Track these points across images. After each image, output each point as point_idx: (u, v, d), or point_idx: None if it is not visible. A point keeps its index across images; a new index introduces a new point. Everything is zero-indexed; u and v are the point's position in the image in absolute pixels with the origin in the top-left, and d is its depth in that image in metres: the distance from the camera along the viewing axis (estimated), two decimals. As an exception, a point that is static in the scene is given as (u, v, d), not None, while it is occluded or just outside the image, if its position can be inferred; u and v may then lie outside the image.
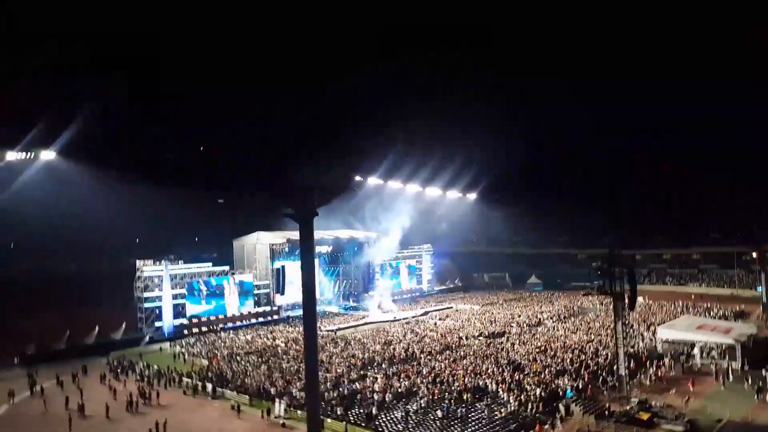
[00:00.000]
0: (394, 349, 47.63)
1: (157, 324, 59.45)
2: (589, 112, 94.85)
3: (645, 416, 30.09)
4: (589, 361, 40.66)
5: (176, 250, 66.40)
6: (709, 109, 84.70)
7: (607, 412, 31.42)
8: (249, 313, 66.89)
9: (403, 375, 38.82)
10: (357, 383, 37.38)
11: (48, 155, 67.45)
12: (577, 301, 72.72)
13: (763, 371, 36.53)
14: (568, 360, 41.11)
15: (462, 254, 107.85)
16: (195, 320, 61.59)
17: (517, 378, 36.97)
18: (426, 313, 69.68)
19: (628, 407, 31.97)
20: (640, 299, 56.57)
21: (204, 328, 60.91)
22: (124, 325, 56.91)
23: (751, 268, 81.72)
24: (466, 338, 51.65)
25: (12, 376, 44.04)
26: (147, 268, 59.91)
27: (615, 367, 36.25)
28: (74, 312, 61.77)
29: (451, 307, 75.10)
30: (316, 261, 65.30)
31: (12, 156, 65.75)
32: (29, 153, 66.60)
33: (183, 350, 52.43)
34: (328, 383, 37.11)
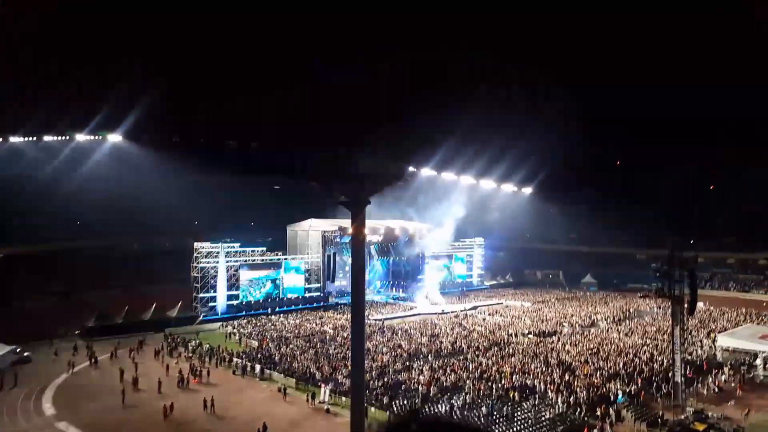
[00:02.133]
0: (441, 342, 47.46)
1: (211, 304, 61.39)
2: (656, 105, 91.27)
3: (701, 427, 28.83)
4: (643, 366, 39.29)
5: (233, 233, 68.22)
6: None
7: (660, 420, 30.29)
8: (298, 297, 68.19)
9: (449, 369, 38.62)
10: (402, 374, 37.49)
11: (115, 138, 71.18)
12: (633, 303, 70.30)
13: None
14: (621, 364, 39.84)
15: (515, 249, 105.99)
16: (247, 302, 63.38)
17: (566, 379, 36.13)
18: (475, 308, 68.99)
19: (683, 416, 30.71)
20: (700, 304, 54.13)
21: (253, 311, 62.61)
22: (180, 304, 59.05)
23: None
24: (516, 336, 50.82)
25: (73, 347, 46.63)
26: (205, 251, 61.83)
27: (671, 374, 34.81)
28: (134, 288, 64.93)
29: (501, 303, 74.09)
30: (366, 250, 65.78)
31: (81, 137, 69.73)
32: (97, 135, 70.36)
33: (235, 330, 54.06)
34: (374, 372, 37.38)
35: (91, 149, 72.70)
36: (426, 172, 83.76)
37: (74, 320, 53.78)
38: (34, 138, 69.25)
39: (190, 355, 44.76)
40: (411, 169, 79.92)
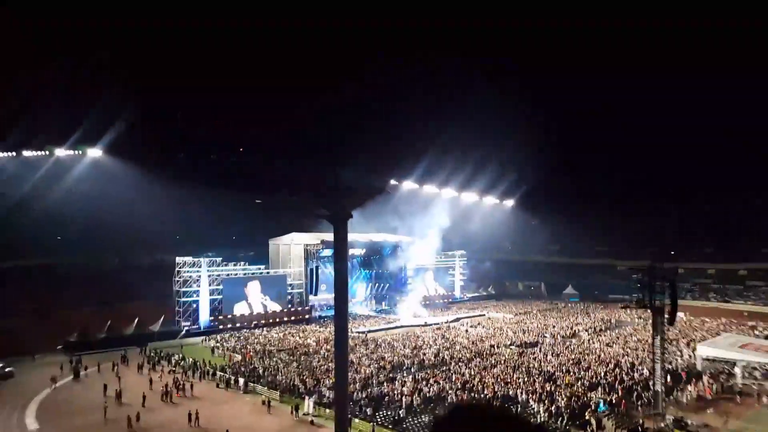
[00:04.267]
0: (424, 354, 47.54)
1: (194, 318, 60.88)
2: (634, 119, 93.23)
3: (680, 435, 29.25)
4: (624, 376, 39.73)
5: (214, 247, 67.92)
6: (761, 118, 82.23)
7: (640, 429, 30.63)
8: (281, 311, 67.86)
9: (432, 380, 38.71)
10: (386, 385, 37.50)
11: (95, 153, 70.63)
12: (614, 314, 71.09)
13: (810, 395, 35.03)
14: (603, 373, 40.26)
15: (497, 261, 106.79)
16: (229, 316, 62.96)
17: (548, 389, 36.41)
18: (457, 320, 69.22)
19: (662, 424, 31.11)
20: (681, 315, 54.91)
21: (238, 324, 62.20)
22: (162, 318, 58.47)
23: (801, 287, 78.32)
24: (498, 347, 51.11)
25: (55, 362, 45.98)
26: (186, 266, 61.43)
27: (651, 383, 35.30)
28: (115, 304, 64.09)
29: (484, 315, 74.43)
30: (349, 263, 65.72)
31: (61, 152, 69.10)
32: (77, 150, 69.81)
33: (218, 344, 53.66)
34: (357, 384, 37.33)
35: (70, 164, 72.05)
36: (408, 185, 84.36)
37: (56, 336, 53.08)
38: (13, 153, 68.56)
39: (173, 368, 44.33)
40: (393, 182, 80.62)
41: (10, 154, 68.33)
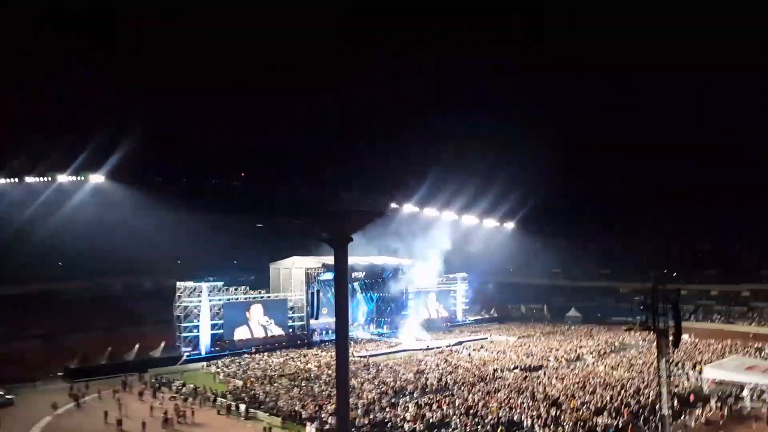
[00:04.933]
0: (427, 378, 46.99)
1: (194, 344, 60.43)
2: (636, 140, 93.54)
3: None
4: (630, 400, 39.15)
5: (215, 271, 67.74)
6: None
7: (648, 454, 30.07)
8: (282, 336, 67.35)
9: (435, 405, 38.17)
10: (388, 411, 36.96)
11: (97, 178, 70.85)
12: (618, 336, 70.39)
13: (819, 417, 34.41)
14: (608, 397, 39.68)
15: (499, 284, 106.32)
16: (229, 341, 62.48)
17: (553, 414, 35.86)
18: (460, 343, 68.59)
19: (671, 449, 30.51)
20: (685, 336, 54.38)
21: (238, 349, 61.65)
22: (163, 344, 58.04)
23: (806, 307, 77.70)
24: (501, 370, 50.51)
25: (56, 389, 45.69)
26: (187, 290, 61.20)
27: (657, 407, 34.71)
28: (117, 329, 63.87)
29: (486, 338, 73.75)
30: (350, 286, 65.44)
31: (63, 178, 69.33)
32: (79, 176, 70.06)
33: (219, 370, 53.14)
34: (359, 409, 36.78)
35: (73, 190, 72.21)
36: (408, 208, 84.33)
37: (56, 362, 52.76)
38: (16, 179, 68.82)
39: (174, 395, 43.84)
40: (393, 205, 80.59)
41: (11, 180, 68.58)
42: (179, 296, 60.89)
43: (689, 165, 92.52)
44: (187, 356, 58.53)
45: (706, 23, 74.76)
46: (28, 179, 68.85)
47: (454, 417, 35.36)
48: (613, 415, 35.81)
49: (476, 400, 39.60)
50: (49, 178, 69.35)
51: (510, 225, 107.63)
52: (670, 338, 34.43)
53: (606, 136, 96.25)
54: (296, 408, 37.98)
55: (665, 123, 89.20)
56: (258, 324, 65.95)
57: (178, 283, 61.84)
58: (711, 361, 49.85)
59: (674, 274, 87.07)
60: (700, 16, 74.01)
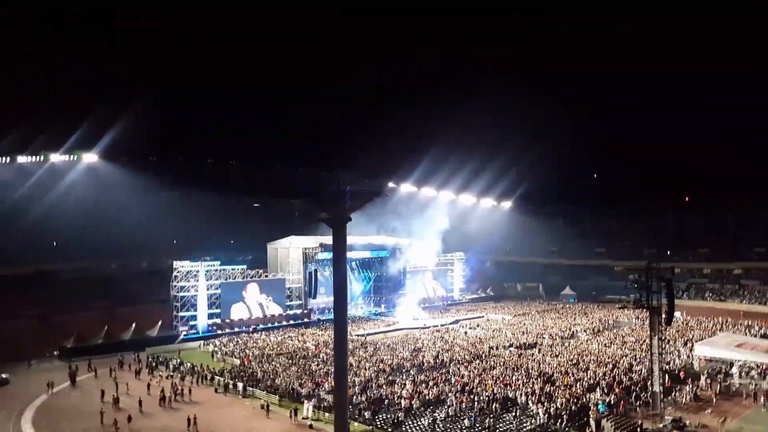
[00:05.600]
0: (423, 356, 47.67)
1: (192, 323, 60.93)
2: (634, 119, 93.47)
3: (679, 435, 29.41)
4: (622, 377, 39.91)
5: (212, 251, 67.95)
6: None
7: (639, 429, 30.83)
8: (280, 315, 67.96)
9: (431, 382, 38.84)
10: (385, 388, 37.62)
11: (90, 158, 70.66)
12: (612, 314, 71.34)
13: (807, 393, 35.25)
14: (601, 374, 40.44)
15: (495, 263, 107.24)
16: (227, 320, 63.03)
17: (547, 390, 36.58)
18: (456, 322, 69.39)
19: (661, 425, 31.29)
20: (677, 314, 55.18)
21: (236, 329, 62.25)
22: (160, 323, 58.51)
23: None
24: (497, 348, 51.26)
25: (52, 368, 46.10)
26: (184, 270, 61.45)
27: (649, 384, 35.53)
28: (113, 309, 64.22)
29: (483, 317, 74.56)
30: (348, 266, 65.76)
31: (56, 158, 69.07)
32: (72, 155, 69.81)
33: (216, 349, 53.71)
34: (357, 387, 37.43)
35: (66, 169, 71.97)
36: (406, 187, 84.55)
37: (52, 342, 53.06)
38: (8, 159, 68.52)
39: (171, 373, 44.35)
40: (391, 185, 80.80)
41: (4, 159, 68.28)
42: (176, 276, 61.17)
43: (685, 143, 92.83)
44: (184, 335, 59.06)
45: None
46: (21, 159, 68.70)
47: (450, 394, 36.04)
48: (606, 391, 36.56)
49: (472, 377, 40.29)
50: (42, 158, 69.22)
51: (507, 204, 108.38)
52: (663, 316, 35.18)
53: (603, 113, 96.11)
54: (294, 386, 38.56)
55: (666, 99, 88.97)
56: (256, 303, 66.42)
57: (175, 263, 62.07)
58: (702, 339, 50.73)
59: (668, 253, 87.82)
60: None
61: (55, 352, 52.14)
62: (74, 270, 72.61)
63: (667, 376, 38.29)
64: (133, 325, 56.68)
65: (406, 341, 55.77)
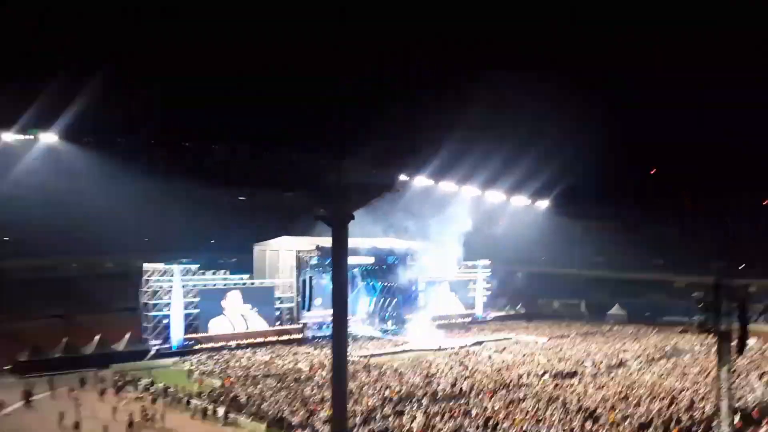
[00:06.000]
0: (438, 383, 47.59)
1: (165, 336, 61.26)
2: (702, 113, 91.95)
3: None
4: (681, 415, 39.49)
5: (190, 252, 68.16)
6: None
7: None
8: (268, 330, 68.06)
9: (447, 414, 38.66)
10: (391, 420, 37.50)
11: (49, 138, 70.81)
12: (670, 339, 70.90)
13: None
14: (656, 411, 40.06)
15: (527, 275, 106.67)
16: (207, 335, 63.26)
17: (589, 428, 36.28)
18: (479, 343, 69.30)
19: (728, 475, 30.82)
20: (752, 341, 54.51)
21: (217, 344, 62.49)
22: (128, 336, 58.83)
23: None
24: (528, 376, 51.01)
25: (2, 385, 46.23)
26: (156, 274, 61.68)
27: (715, 423, 35.02)
28: (73, 317, 64.54)
29: (511, 338, 74.35)
30: (350, 274, 65.66)
31: (8, 137, 69.27)
32: (28, 134, 69.89)
33: (193, 367, 53.95)
34: (358, 417, 37.32)
35: (20, 151, 72.28)
36: (421, 180, 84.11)
37: (2, 354, 53.44)
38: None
39: (141, 395, 44.64)
40: (403, 177, 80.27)
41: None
42: (147, 280, 61.47)
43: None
44: (156, 350, 59.33)
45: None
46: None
47: (470, 429, 35.80)
48: (661, 431, 36.15)
49: (497, 410, 40.03)
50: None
51: (544, 203, 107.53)
52: (734, 343, 34.64)
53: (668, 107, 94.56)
54: (284, 413, 38.55)
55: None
56: (238, 314, 66.50)
57: (146, 265, 62.42)
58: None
59: (742, 267, 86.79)
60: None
61: (6, 367, 52.62)
62: (28, 269, 73.16)
63: (737, 415, 37.77)
64: (97, 337, 57.06)
65: (418, 365, 55.72)
